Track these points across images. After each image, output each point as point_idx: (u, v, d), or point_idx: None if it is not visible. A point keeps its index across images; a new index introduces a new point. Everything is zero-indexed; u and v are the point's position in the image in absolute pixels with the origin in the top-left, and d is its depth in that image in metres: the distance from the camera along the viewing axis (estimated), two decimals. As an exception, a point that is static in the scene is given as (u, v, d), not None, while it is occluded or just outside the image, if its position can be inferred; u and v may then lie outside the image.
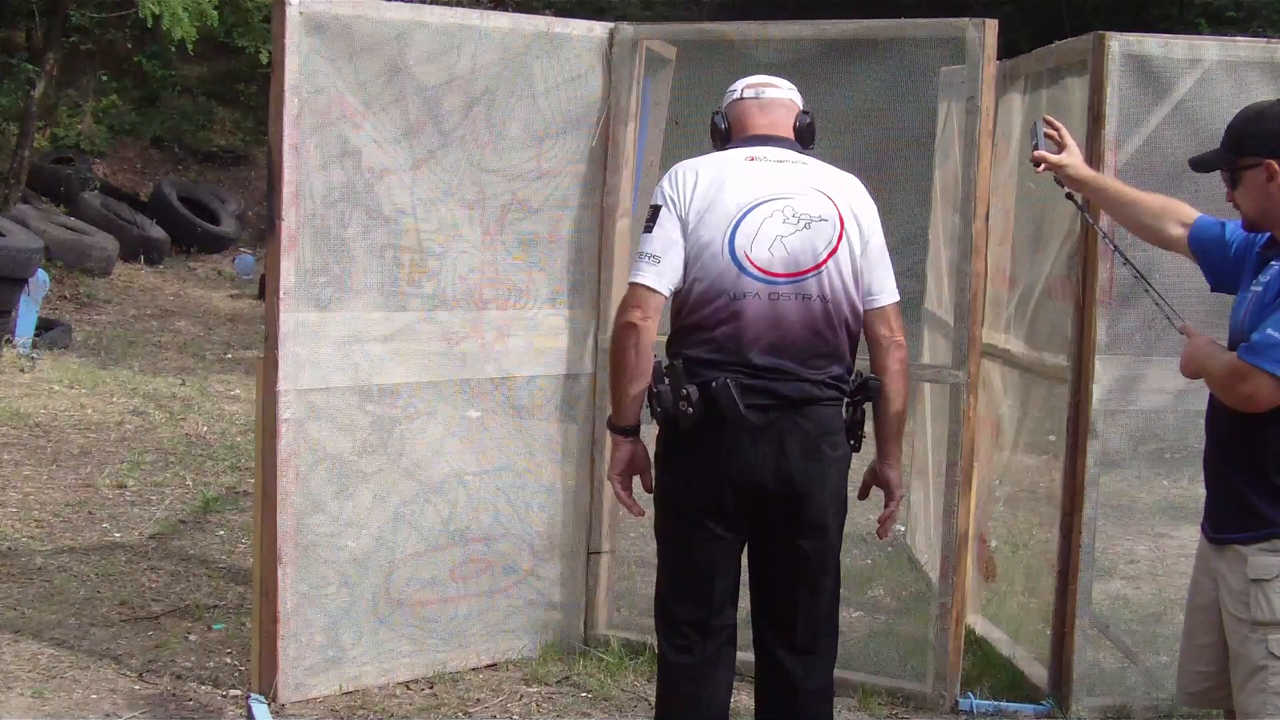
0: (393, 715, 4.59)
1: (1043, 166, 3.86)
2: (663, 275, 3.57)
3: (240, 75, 17.43)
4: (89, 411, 8.75)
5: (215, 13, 12.41)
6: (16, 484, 7.08)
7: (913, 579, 6.14)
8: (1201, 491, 3.53)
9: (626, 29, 5.10)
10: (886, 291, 3.72)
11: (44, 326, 10.71)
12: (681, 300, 3.61)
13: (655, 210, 3.61)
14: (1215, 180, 3.63)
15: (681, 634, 3.71)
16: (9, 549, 6.07)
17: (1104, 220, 4.29)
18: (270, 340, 4.50)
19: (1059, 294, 5.09)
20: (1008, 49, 4.98)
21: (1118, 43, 4.66)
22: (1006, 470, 5.65)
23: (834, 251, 3.59)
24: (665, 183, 3.66)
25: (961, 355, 4.78)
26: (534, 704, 4.74)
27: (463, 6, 6.24)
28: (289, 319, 4.48)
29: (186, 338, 11.84)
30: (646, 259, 3.58)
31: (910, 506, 6.62)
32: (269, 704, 4.51)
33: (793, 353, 3.56)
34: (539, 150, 4.96)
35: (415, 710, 4.64)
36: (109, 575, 5.78)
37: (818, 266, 3.58)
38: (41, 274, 10.66)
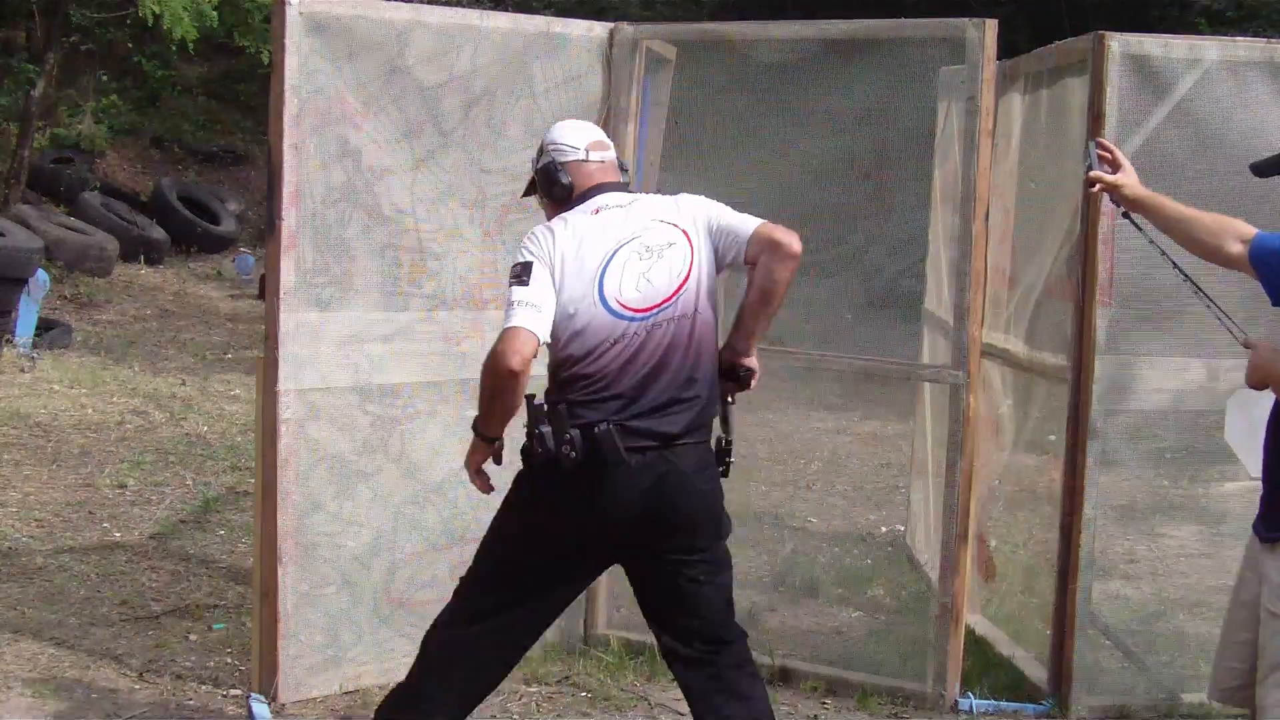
0: (393, 715, 4.59)
1: (1098, 187, 3.85)
2: (543, 323, 3.61)
3: (240, 75, 17.44)
4: (89, 411, 8.75)
5: (215, 13, 12.41)
6: (17, 484, 7.08)
7: (913, 579, 6.14)
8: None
9: (626, 29, 5.11)
10: (748, 224, 3.76)
11: (44, 326, 10.70)
12: (562, 355, 3.67)
13: (527, 266, 3.65)
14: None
15: (470, 618, 3.73)
16: (9, 549, 6.07)
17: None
18: (270, 340, 4.50)
19: (1059, 294, 5.09)
20: (1008, 49, 4.99)
21: (1118, 43, 4.66)
22: (1006, 470, 5.65)
23: (691, 267, 3.71)
24: (529, 243, 3.72)
25: (961, 355, 4.78)
26: (534, 703, 4.74)
27: (463, 6, 6.23)
28: (289, 319, 4.48)
29: (186, 338, 11.84)
30: (527, 306, 3.60)
31: (910, 506, 6.62)
32: (269, 704, 4.51)
33: (669, 383, 3.65)
34: (539, 150, 4.96)
35: (415, 710, 4.63)
36: (109, 575, 5.79)
37: (681, 286, 3.70)
38: (41, 274, 10.66)
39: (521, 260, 3.68)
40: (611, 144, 3.95)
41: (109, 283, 13.01)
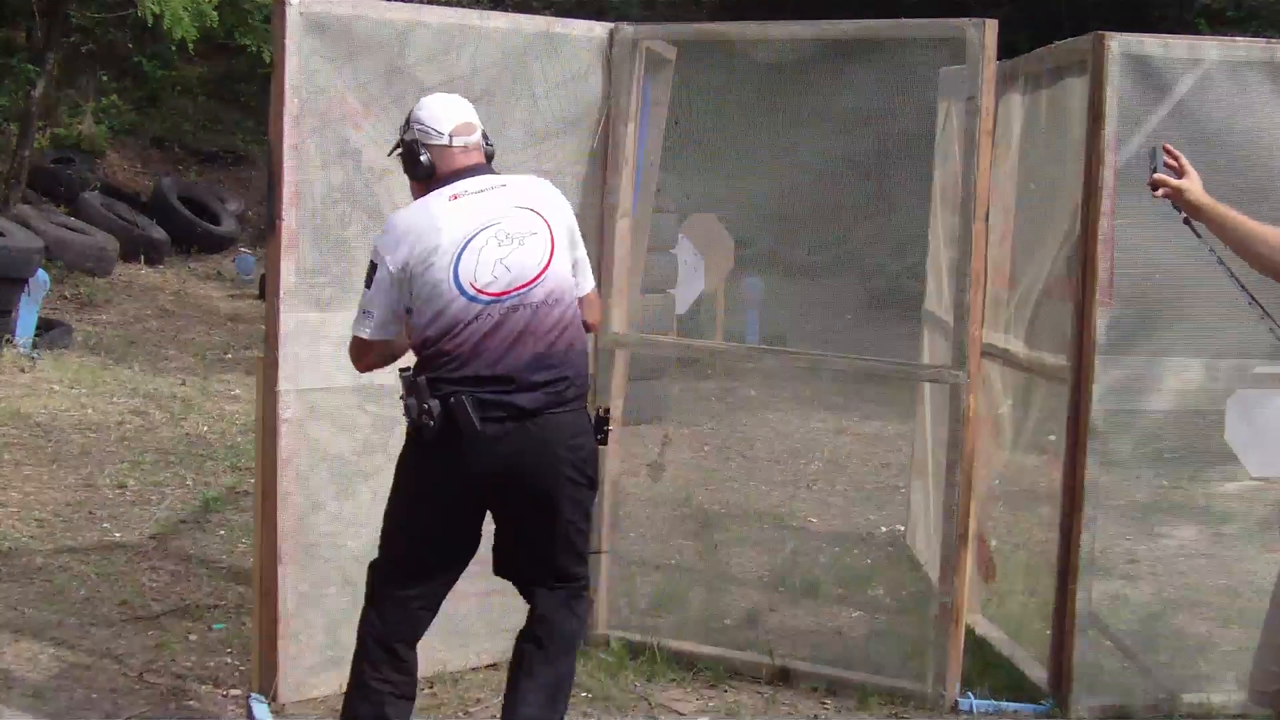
0: (393, 715, 4.59)
1: (1161, 191, 3.84)
2: (381, 328, 3.90)
3: (240, 75, 17.42)
4: (89, 411, 8.75)
5: (215, 13, 12.40)
6: (17, 484, 7.08)
7: (913, 579, 6.14)
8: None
9: (626, 29, 5.11)
10: (586, 283, 4.07)
11: (44, 326, 10.69)
12: (422, 336, 3.86)
13: (374, 267, 3.88)
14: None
15: (392, 602, 4.00)
16: (9, 549, 6.07)
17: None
18: (270, 340, 4.50)
19: (1059, 294, 5.09)
20: (1008, 49, 4.99)
21: (1118, 43, 4.66)
22: (1006, 470, 5.65)
23: (550, 258, 3.89)
24: (379, 241, 3.90)
25: (961, 355, 4.78)
26: (534, 704, 4.73)
27: (463, 6, 6.23)
28: (289, 319, 4.49)
29: (186, 338, 11.83)
30: (364, 315, 3.91)
31: (910, 506, 6.63)
32: (269, 704, 4.51)
33: (527, 364, 3.83)
34: (539, 151, 4.96)
35: (415, 710, 4.61)
36: (109, 575, 5.79)
37: (540, 275, 3.87)
38: (41, 274, 10.64)
39: (371, 259, 3.88)
40: (478, 124, 4.03)
41: (109, 283, 12.99)
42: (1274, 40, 4.92)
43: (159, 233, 14.41)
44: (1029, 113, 5.39)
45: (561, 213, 3.99)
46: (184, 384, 9.85)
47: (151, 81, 17.54)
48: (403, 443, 3.98)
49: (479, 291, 3.80)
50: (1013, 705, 4.85)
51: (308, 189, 4.49)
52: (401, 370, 3.88)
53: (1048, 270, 5.18)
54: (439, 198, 3.89)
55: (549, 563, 3.99)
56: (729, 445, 8.83)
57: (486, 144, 4.04)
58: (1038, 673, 4.99)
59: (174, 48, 13.80)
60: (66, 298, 12.21)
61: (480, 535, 4.03)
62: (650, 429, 8.15)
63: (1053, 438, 5.13)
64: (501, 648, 5.01)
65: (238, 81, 17.71)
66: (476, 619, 4.97)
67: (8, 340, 10.07)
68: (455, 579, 4.06)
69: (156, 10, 11.81)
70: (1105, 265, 4.69)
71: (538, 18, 5.18)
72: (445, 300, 3.80)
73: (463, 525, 3.96)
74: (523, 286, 3.83)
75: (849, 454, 8.82)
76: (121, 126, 16.78)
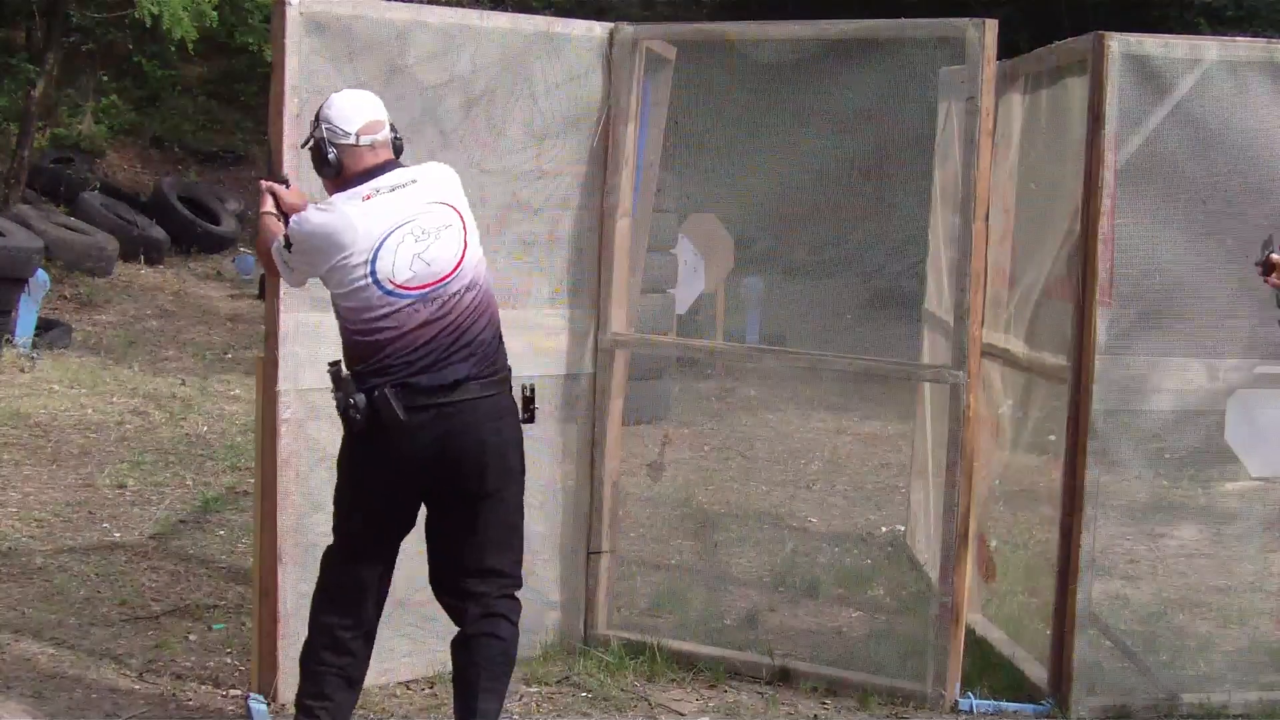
0: (393, 715, 4.59)
1: (1276, 275, 3.87)
2: (298, 280, 4.13)
3: (240, 75, 17.43)
4: (89, 411, 8.75)
5: (214, 13, 12.40)
6: (16, 484, 7.08)
7: (913, 579, 6.14)
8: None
9: (626, 29, 5.11)
10: None
11: (44, 326, 10.69)
12: (345, 329, 3.98)
13: (288, 242, 4.02)
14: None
15: (348, 604, 4.10)
16: (9, 549, 6.07)
17: None
18: (270, 340, 4.50)
19: (1059, 294, 5.10)
20: (1008, 49, 4.99)
21: (1118, 43, 4.66)
22: (1006, 470, 5.65)
23: (465, 248, 4.04)
24: (296, 232, 3.98)
25: (961, 355, 4.78)
26: (534, 704, 4.74)
27: (463, 6, 6.24)
28: (289, 319, 4.49)
29: (186, 338, 11.84)
30: (285, 265, 4.06)
31: (910, 506, 6.63)
32: (269, 704, 4.51)
33: (450, 352, 3.94)
34: (539, 150, 4.97)
35: (415, 710, 4.64)
36: (109, 575, 5.78)
37: (457, 268, 4.01)
38: (41, 274, 10.65)
39: (288, 236, 3.99)
40: (386, 120, 4.09)
41: (109, 283, 13.00)
42: (1274, 40, 4.92)
43: (159, 233, 14.40)
44: (1029, 113, 5.40)
45: (463, 198, 4.11)
46: (184, 384, 9.86)
47: (151, 81, 17.54)
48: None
49: (398, 287, 3.92)
50: (1013, 705, 4.85)
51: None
52: (330, 364, 3.97)
53: (1048, 270, 5.19)
54: (352, 198, 3.97)
55: (482, 558, 4.06)
56: (729, 445, 8.83)
57: (395, 136, 4.11)
58: (1038, 673, 4.99)
59: (174, 48, 13.79)
60: (66, 298, 12.22)
61: (415, 517, 4.13)
62: (650, 429, 8.16)
63: (1053, 438, 5.13)
64: (501, 648, 5.02)
65: (238, 81, 17.71)
66: (476, 619, 4.97)
67: (7, 340, 10.07)
68: (394, 562, 4.17)
69: (156, 10, 11.81)
70: (1105, 265, 4.69)
71: (537, 18, 5.19)
72: (366, 298, 3.91)
73: (402, 511, 4.09)
74: (442, 279, 3.96)
75: (849, 454, 8.83)
76: (121, 126, 16.78)
